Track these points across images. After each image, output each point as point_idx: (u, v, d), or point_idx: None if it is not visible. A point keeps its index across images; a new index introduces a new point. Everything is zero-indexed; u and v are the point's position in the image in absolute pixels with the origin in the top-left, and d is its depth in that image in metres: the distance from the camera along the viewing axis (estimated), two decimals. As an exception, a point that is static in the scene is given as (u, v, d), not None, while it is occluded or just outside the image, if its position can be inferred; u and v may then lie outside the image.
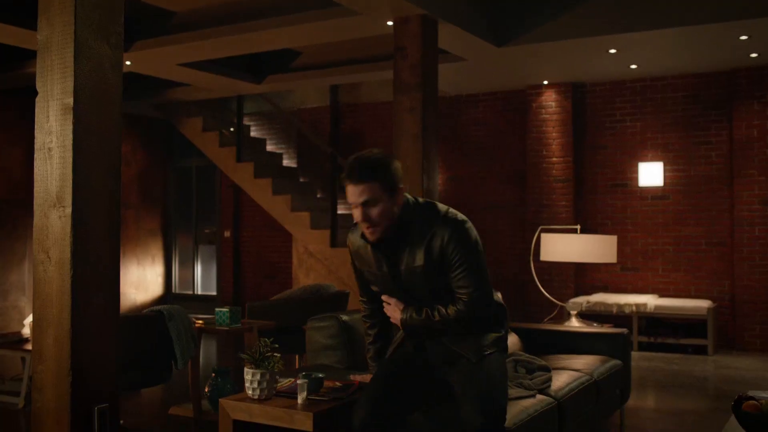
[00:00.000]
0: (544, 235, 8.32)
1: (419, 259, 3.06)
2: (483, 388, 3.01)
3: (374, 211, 3.02)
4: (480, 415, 2.90)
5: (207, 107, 10.87)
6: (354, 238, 3.28)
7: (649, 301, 8.49)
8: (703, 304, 8.31)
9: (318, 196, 10.64)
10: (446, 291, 3.10)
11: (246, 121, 11.32)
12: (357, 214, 3.05)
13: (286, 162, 11.34)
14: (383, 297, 3.26)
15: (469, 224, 3.09)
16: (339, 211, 9.87)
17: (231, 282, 11.59)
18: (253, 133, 11.62)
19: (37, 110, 3.40)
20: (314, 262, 9.48)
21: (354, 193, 3.02)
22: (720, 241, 8.84)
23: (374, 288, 3.33)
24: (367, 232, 3.09)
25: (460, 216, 3.11)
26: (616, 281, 9.36)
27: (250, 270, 11.58)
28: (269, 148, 11.49)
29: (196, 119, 10.64)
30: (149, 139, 11.76)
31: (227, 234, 11.68)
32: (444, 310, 3.08)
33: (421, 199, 3.19)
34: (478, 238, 3.11)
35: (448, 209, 3.13)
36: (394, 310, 3.21)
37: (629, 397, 5.15)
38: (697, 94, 8.99)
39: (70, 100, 3.26)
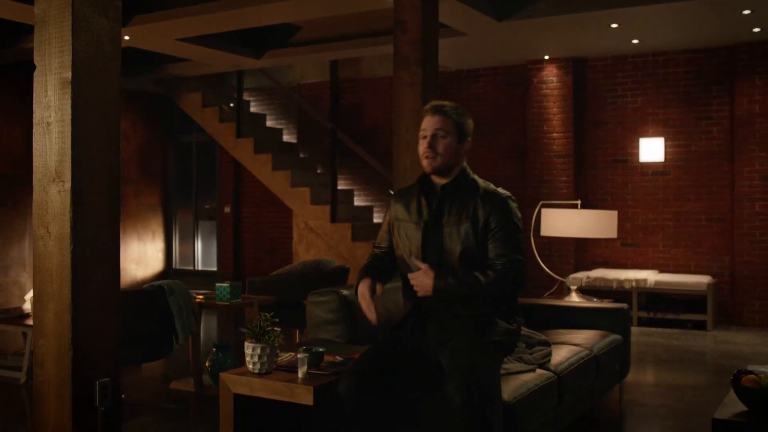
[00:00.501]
0: (544, 210, 8.32)
1: (464, 221, 3.22)
2: (470, 364, 2.99)
3: (441, 144, 3.25)
4: (462, 391, 2.87)
5: (207, 82, 10.83)
6: (400, 195, 3.47)
7: (649, 276, 8.50)
8: (703, 279, 8.32)
9: (318, 171, 10.62)
10: (478, 260, 3.19)
11: (246, 97, 11.28)
12: (423, 144, 3.28)
13: (286, 137, 11.31)
14: (414, 261, 3.27)
15: (516, 204, 3.31)
16: (339, 187, 9.87)
17: (231, 257, 11.60)
18: (252, 109, 11.58)
19: (35, 84, 3.37)
20: (314, 237, 9.48)
21: (429, 122, 3.29)
22: (720, 216, 8.84)
23: (399, 253, 3.38)
24: (425, 162, 3.28)
25: (510, 194, 3.34)
26: (617, 257, 9.37)
27: (251, 245, 11.59)
28: (269, 123, 11.46)
29: (196, 95, 10.60)
30: (149, 114, 11.73)
31: (227, 209, 11.67)
32: (478, 274, 3.15)
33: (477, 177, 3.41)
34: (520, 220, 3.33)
35: (499, 187, 3.38)
36: (424, 277, 3.19)
37: (629, 372, 5.18)
38: (699, 70, 8.95)
39: (68, 74, 3.24)
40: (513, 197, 3.32)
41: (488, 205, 3.22)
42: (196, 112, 10.61)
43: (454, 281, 3.15)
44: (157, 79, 10.76)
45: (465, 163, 3.36)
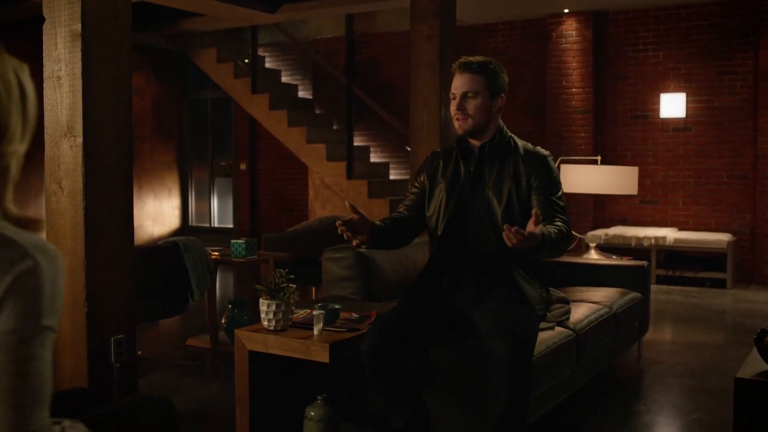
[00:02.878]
0: (564, 166, 8.19)
1: (506, 182, 3.12)
2: (514, 320, 2.94)
3: (471, 104, 3.12)
4: (506, 341, 2.82)
5: (221, 38, 10.72)
6: (436, 156, 3.34)
7: (669, 234, 8.41)
8: (723, 237, 8.22)
9: (334, 127, 10.54)
10: (519, 221, 3.00)
11: (260, 52, 11.16)
12: (453, 105, 3.15)
13: (301, 93, 11.22)
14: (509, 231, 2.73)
15: (554, 163, 3.23)
16: (355, 143, 9.79)
17: (247, 215, 11.59)
18: (267, 65, 11.47)
19: (44, 38, 3.31)
20: (330, 194, 9.44)
21: (458, 81, 3.14)
22: (742, 173, 8.70)
23: (429, 213, 3.24)
24: (456, 124, 3.17)
25: (549, 152, 3.25)
26: (636, 214, 9.28)
27: (267, 202, 11.57)
28: (284, 79, 11.36)
29: (210, 50, 10.50)
30: (163, 70, 11.64)
31: (243, 166, 11.63)
32: (561, 225, 2.98)
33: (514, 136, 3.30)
34: None
35: (537, 146, 3.26)
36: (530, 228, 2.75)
37: (648, 330, 5.14)
38: (723, 23, 8.74)
39: (78, 26, 3.17)
40: (551, 155, 3.22)
41: (529, 165, 3.13)
42: (211, 68, 10.52)
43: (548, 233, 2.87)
44: (171, 34, 10.65)
45: (501, 122, 3.23)
